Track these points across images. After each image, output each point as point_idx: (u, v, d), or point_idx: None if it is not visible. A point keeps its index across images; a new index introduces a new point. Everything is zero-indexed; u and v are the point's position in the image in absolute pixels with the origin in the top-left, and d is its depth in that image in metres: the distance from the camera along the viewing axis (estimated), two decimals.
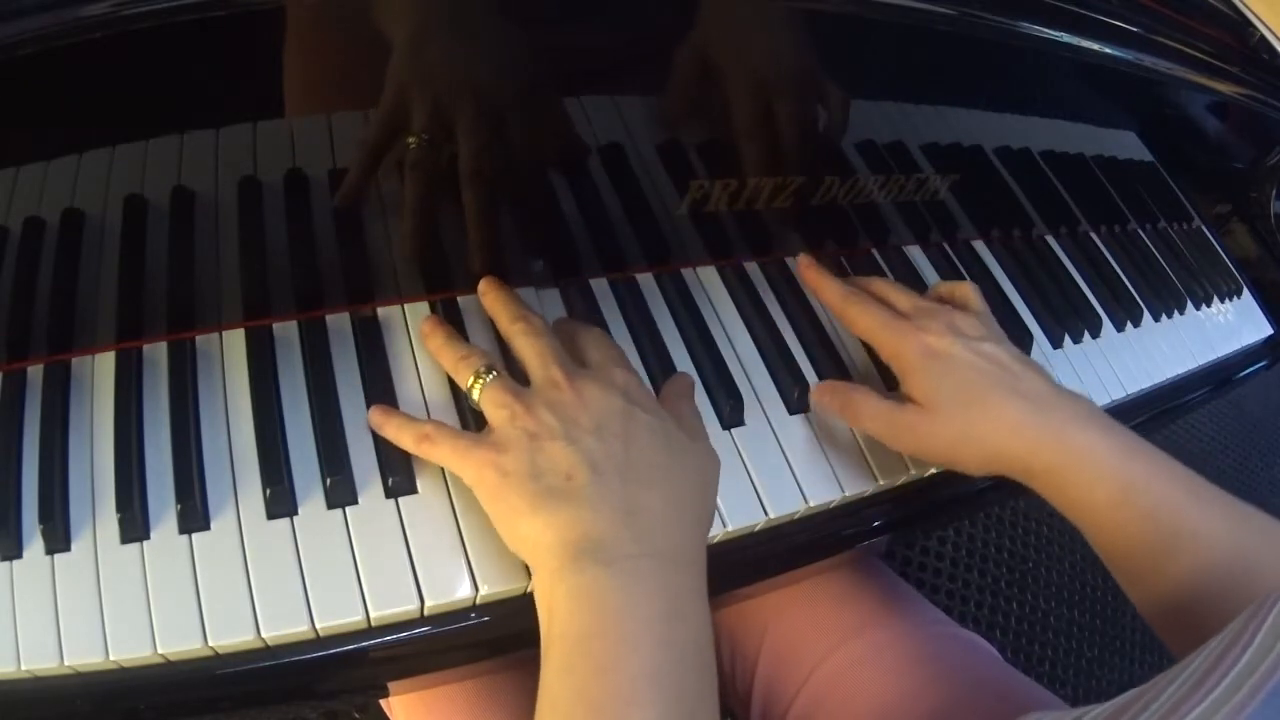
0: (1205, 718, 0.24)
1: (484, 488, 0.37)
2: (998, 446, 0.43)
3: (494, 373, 0.39)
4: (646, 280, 0.51)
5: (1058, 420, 0.42)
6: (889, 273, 0.58)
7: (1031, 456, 0.42)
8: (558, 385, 0.38)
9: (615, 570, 0.33)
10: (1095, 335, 0.63)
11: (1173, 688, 0.26)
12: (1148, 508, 0.40)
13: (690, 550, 0.37)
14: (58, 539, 0.36)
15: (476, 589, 0.38)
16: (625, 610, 0.33)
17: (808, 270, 0.53)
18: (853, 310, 0.49)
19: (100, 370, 0.41)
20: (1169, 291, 0.72)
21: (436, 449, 0.38)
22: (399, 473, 0.40)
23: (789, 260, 0.56)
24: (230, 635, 0.35)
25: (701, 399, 0.47)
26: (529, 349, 0.40)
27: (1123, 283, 0.69)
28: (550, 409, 0.37)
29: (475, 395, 0.39)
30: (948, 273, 0.60)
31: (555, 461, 0.36)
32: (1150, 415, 0.64)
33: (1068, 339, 0.61)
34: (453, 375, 0.41)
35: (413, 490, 0.40)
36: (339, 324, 0.44)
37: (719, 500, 0.44)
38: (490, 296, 0.44)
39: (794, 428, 0.48)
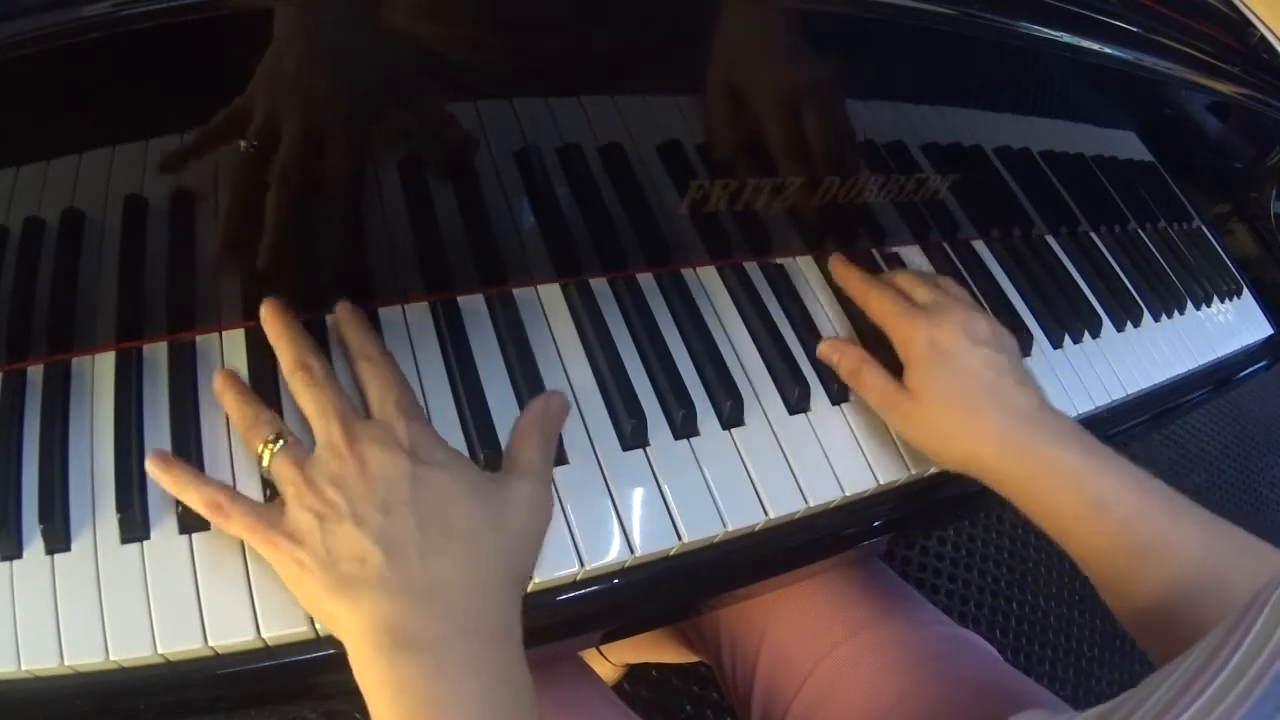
0: None
1: (283, 573, 0.35)
2: (973, 451, 0.45)
3: (282, 441, 0.37)
4: (646, 280, 0.51)
5: (1037, 438, 0.44)
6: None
7: (1004, 468, 0.44)
8: (339, 453, 0.36)
9: (424, 657, 0.32)
10: (1095, 335, 0.63)
11: (1161, 690, 0.26)
12: (1120, 519, 0.42)
13: (498, 618, 0.35)
14: (58, 539, 0.36)
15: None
16: (437, 700, 0.32)
17: (837, 266, 0.55)
18: (872, 294, 0.51)
19: (100, 370, 0.41)
20: (1169, 291, 0.72)
21: (230, 524, 0.36)
22: None
23: (789, 260, 0.56)
24: (230, 635, 0.35)
25: (701, 399, 0.47)
26: (310, 403, 0.38)
27: (1123, 283, 0.69)
28: (333, 484, 0.35)
29: (264, 463, 0.37)
30: (948, 273, 0.60)
31: (349, 546, 0.34)
32: (1150, 415, 0.64)
33: (1068, 339, 0.61)
34: (243, 440, 0.39)
35: None
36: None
37: (719, 500, 0.44)
38: (273, 328, 0.41)
39: (794, 428, 0.48)
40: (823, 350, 0.51)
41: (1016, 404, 0.45)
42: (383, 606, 0.33)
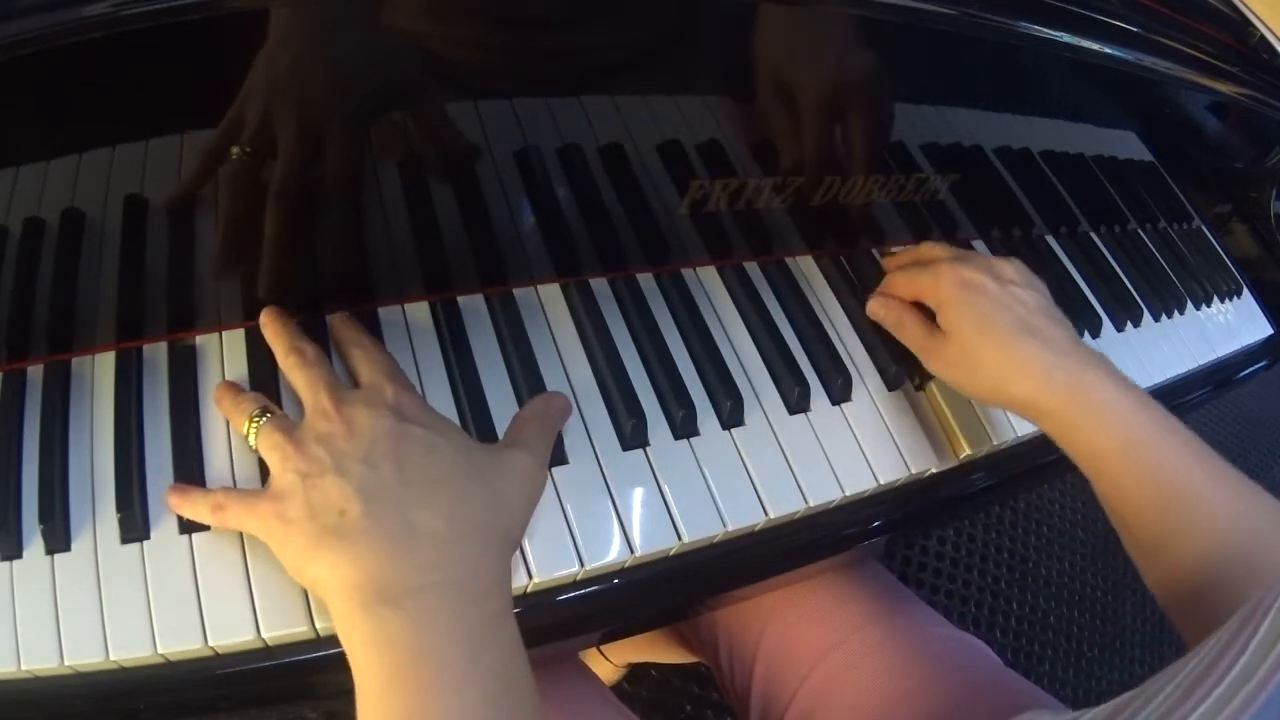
0: None
1: (272, 539, 0.35)
2: (1006, 379, 0.45)
3: (268, 415, 0.38)
4: (646, 280, 0.51)
5: (1072, 367, 0.44)
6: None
7: (1040, 396, 0.44)
8: (326, 415, 0.37)
9: (404, 610, 0.32)
10: (1095, 335, 0.63)
11: (1168, 690, 0.26)
12: (1153, 462, 0.41)
13: (485, 574, 0.35)
14: (58, 539, 0.36)
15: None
16: (422, 655, 0.31)
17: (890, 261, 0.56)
18: (896, 274, 0.53)
19: (100, 370, 0.41)
20: (1169, 291, 0.72)
21: (229, 515, 0.36)
22: None
23: (789, 260, 0.56)
24: (230, 635, 0.35)
25: (701, 399, 0.47)
26: (301, 380, 0.39)
27: (1123, 283, 0.69)
28: (320, 442, 0.36)
29: (252, 441, 0.38)
30: None
31: (329, 497, 0.34)
32: None
33: None
34: (233, 425, 0.40)
35: None
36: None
37: (719, 500, 0.44)
38: (270, 328, 0.41)
39: (794, 428, 0.48)
40: (872, 307, 0.52)
41: (1054, 337, 0.45)
42: (364, 557, 0.33)
